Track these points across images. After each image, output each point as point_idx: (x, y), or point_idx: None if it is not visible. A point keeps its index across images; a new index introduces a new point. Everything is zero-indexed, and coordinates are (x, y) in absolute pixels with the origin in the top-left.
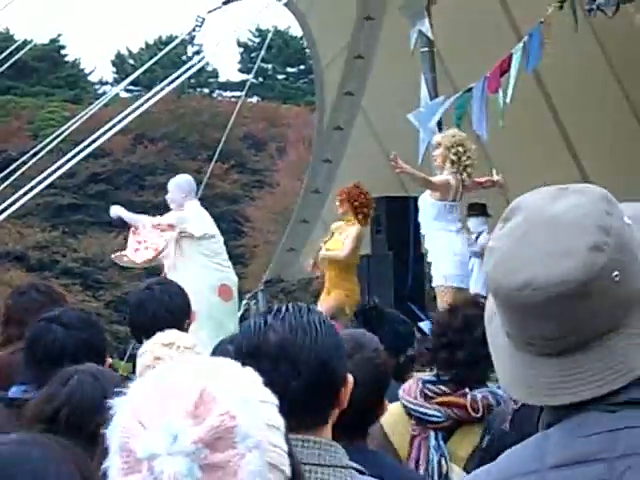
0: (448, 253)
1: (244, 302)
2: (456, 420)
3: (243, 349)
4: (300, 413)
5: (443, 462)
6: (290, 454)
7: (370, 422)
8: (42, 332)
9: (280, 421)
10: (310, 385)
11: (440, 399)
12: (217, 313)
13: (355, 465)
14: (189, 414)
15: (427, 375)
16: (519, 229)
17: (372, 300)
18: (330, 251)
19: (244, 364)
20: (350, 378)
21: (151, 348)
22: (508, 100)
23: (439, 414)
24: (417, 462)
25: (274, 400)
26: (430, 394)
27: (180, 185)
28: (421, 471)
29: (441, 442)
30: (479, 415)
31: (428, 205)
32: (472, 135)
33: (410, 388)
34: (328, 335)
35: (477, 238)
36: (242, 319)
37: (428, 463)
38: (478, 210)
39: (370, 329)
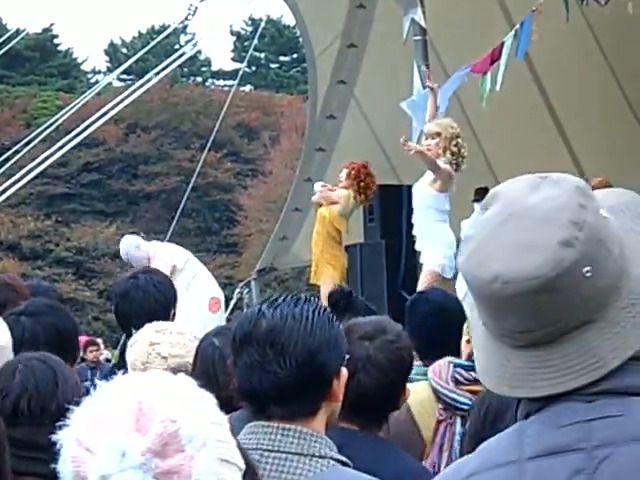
0: (442, 244)
1: (237, 291)
2: None
3: (236, 336)
4: (287, 402)
5: None
6: (239, 447)
7: (391, 408)
8: (10, 326)
9: (221, 417)
10: (297, 374)
11: (471, 387)
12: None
13: (338, 456)
14: (132, 428)
15: (458, 359)
16: (495, 219)
17: (344, 288)
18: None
19: (237, 351)
20: (345, 371)
21: (143, 335)
22: (498, 87)
23: (467, 401)
24: (441, 447)
25: (211, 398)
26: (461, 379)
27: (129, 252)
28: (444, 457)
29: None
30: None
31: (428, 195)
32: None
33: (441, 370)
34: (320, 325)
35: None
36: (235, 308)
37: (452, 449)
38: (483, 195)
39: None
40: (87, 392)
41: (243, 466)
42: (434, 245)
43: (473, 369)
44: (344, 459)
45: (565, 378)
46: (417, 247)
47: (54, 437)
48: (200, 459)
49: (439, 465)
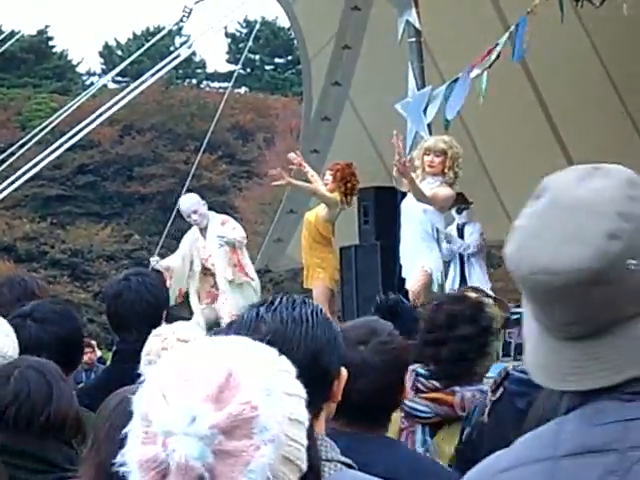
0: (434, 259)
1: None
2: (442, 417)
3: None
4: None
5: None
6: (309, 449)
7: (392, 407)
8: (17, 329)
9: (305, 415)
10: (301, 377)
11: (430, 395)
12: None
13: (344, 459)
14: (211, 398)
15: (421, 367)
16: (543, 210)
17: (389, 299)
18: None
19: None
20: (344, 372)
21: (165, 335)
22: (474, 74)
23: (427, 409)
24: None
25: (302, 393)
26: (422, 387)
27: (199, 208)
28: None
29: (427, 437)
30: (466, 414)
31: (425, 210)
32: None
33: None
34: (320, 327)
35: (462, 229)
36: None
37: None
38: (461, 201)
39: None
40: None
41: (305, 469)
42: (427, 256)
43: (435, 378)
44: (349, 461)
45: (612, 371)
46: (404, 261)
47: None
48: (264, 452)
49: None
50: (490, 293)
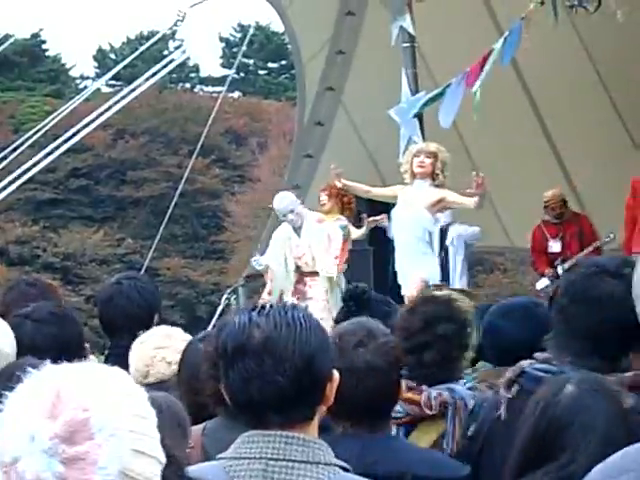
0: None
1: (224, 297)
2: (413, 416)
3: (228, 347)
4: (286, 409)
5: None
6: (164, 442)
7: (394, 405)
8: (14, 328)
9: (148, 411)
10: (296, 381)
11: (407, 395)
12: None
13: (340, 462)
14: (46, 414)
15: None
16: None
17: (358, 286)
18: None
19: (230, 362)
20: (336, 374)
21: (151, 337)
22: (477, 86)
23: (400, 409)
24: None
25: (142, 392)
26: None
27: (295, 208)
28: None
29: (402, 437)
30: (433, 412)
31: (425, 219)
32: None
33: None
34: (313, 331)
35: (445, 230)
36: (222, 314)
37: None
38: None
39: (358, 312)
40: None
41: (164, 460)
42: (422, 263)
43: (410, 378)
44: (345, 465)
45: None
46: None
47: None
48: (108, 448)
49: None
50: (457, 286)
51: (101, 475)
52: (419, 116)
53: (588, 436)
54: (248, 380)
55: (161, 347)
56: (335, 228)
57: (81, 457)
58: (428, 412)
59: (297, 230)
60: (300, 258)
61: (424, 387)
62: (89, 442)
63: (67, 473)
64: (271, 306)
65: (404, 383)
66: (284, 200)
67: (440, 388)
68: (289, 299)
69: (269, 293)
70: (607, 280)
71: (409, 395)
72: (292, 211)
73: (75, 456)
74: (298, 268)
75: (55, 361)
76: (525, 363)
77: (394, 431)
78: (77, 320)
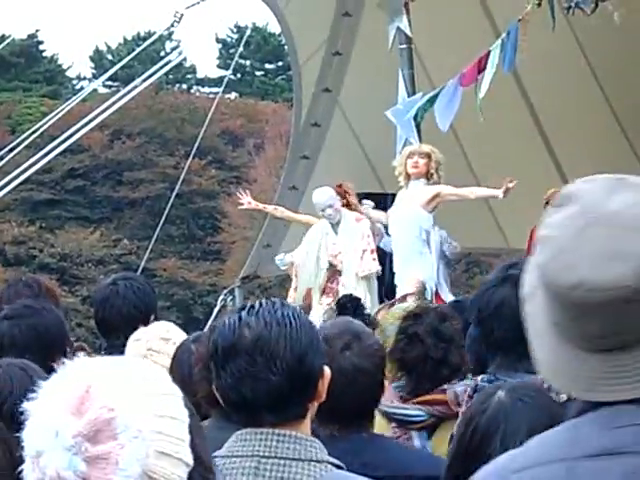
0: (428, 268)
1: (221, 298)
2: (438, 417)
3: (219, 348)
4: (279, 407)
5: None
6: (194, 444)
7: (376, 406)
8: None
9: (178, 412)
10: (288, 379)
11: (420, 399)
12: None
13: (332, 460)
14: (72, 410)
15: (395, 382)
16: (576, 221)
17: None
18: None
19: (221, 362)
20: (327, 370)
21: (147, 337)
22: (481, 95)
23: (421, 413)
24: None
25: (177, 393)
26: (406, 396)
27: (334, 203)
28: None
29: (425, 442)
30: (462, 409)
31: (421, 217)
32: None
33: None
34: (303, 328)
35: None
36: (218, 315)
37: None
38: None
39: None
40: None
41: (191, 462)
42: (419, 263)
43: (413, 384)
44: (338, 462)
45: (632, 385)
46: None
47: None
48: (130, 449)
49: None
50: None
51: (121, 476)
52: (415, 118)
53: (514, 444)
54: (240, 379)
55: (155, 351)
56: (368, 227)
57: (103, 457)
58: (458, 409)
59: (334, 227)
60: (336, 257)
61: (445, 386)
62: (112, 442)
63: (88, 472)
64: (260, 305)
65: (395, 395)
66: (324, 195)
67: (462, 384)
68: (317, 297)
69: (295, 289)
70: (500, 290)
71: (430, 397)
72: (331, 206)
73: (97, 455)
74: (331, 266)
75: (37, 356)
76: (479, 378)
77: (416, 437)
78: (56, 311)
